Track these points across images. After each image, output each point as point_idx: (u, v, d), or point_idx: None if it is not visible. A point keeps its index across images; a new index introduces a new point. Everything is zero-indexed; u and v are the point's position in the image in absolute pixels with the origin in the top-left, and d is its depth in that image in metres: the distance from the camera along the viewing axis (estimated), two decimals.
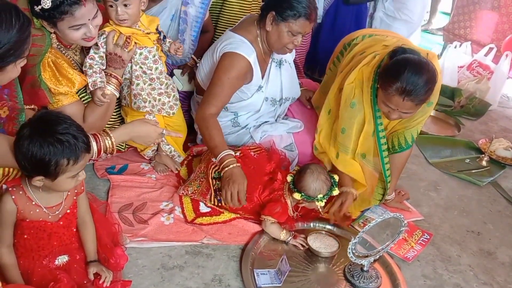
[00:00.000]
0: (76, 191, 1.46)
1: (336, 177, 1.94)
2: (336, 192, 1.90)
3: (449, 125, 3.30)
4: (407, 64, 1.75)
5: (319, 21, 3.24)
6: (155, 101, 2.08)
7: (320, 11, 3.17)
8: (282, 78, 2.30)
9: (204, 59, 2.28)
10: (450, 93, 3.62)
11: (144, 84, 2.02)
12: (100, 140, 1.64)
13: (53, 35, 1.79)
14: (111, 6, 1.83)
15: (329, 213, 2.02)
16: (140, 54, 1.97)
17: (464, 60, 3.99)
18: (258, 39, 2.14)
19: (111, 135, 1.67)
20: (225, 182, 1.91)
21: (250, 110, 2.29)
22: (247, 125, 2.32)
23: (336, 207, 2.00)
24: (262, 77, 2.23)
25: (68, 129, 1.28)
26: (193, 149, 2.38)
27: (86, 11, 1.71)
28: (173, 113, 2.14)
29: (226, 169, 1.93)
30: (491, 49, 3.92)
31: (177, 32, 2.38)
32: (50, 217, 1.40)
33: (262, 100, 2.26)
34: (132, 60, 1.97)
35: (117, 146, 1.74)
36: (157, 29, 2.02)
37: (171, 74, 2.44)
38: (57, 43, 1.83)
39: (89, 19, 1.74)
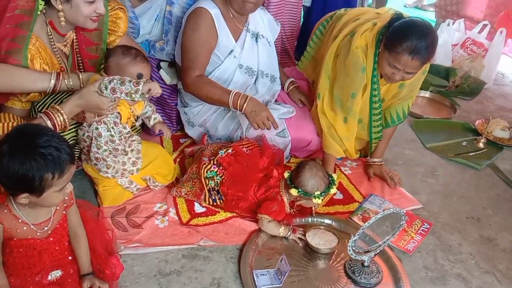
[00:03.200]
0: (65, 204, 1.40)
1: (335, 176, 1.91)
2: (334, 190, 1.86)
3: (445, 106, 3.25)
4: (415, 25, 1.87)
5: (308, 4, 3.16)
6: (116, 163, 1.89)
7: None
8: (259, 52, 2.30)
9: (179, 36, 2.24)
10: (444, 73, 3.56)
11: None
12: (53, 117, 1.58)
13: (62, 20, 1.76)
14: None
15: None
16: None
17: (457, 38, 3.93)
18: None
19: (61, 111, 1.61)
20: (251, 116, 2.04)
21: (224, 80, 2.25)
22: None
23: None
24: (236, 41, 2.22)
25: (49, 141, 1.21)
26: (185, 151, 2.32)
27: None
28: (138, 169, 1.94)
29: (244, 105, 2.02)
30: (485, 26, 3.85)
31: (161, 32, 2.33)
32: (38, 234, 1.34)
33: (236, 67, 2.24)
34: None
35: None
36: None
37: (158, 67, 2.38)
38: (50, 34, 1.78)
39: None
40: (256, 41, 2.30)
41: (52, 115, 1.60)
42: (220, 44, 2.17)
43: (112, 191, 1.93)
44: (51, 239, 1.37)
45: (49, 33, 1.81)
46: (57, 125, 1.60)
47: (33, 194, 1.23)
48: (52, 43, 1.84)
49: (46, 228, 1.35)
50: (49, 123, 1.57)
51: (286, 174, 1.89)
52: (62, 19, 1.77)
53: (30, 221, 1.32)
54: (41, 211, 1.34)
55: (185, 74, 2.10)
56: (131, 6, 2.27)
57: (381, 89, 2.13)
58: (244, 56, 2.25)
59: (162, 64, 2.39)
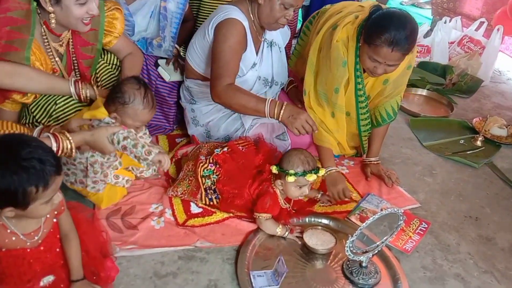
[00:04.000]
0: (56, 212, 1.36)
1: (318, 163, 1.90)
2: (312, 177, 1.79)
3: (442, 104, 3.24)
4: (392, 16, 1.85)
5: (307, 3, 3.14)
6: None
7: None
8: (273, 60, 2.28)
9: (197, 40, 2.20)
10: (441, 70, 3.55)
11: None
12: (60, 142, 1.54)
13: (52, 21, 1.74)
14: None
15: (332, 196, 2.06)
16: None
17: (454, 36, 3.92)
18: (250, 11, 2.10)
19: (71, 139, 1.56)
20: (290, 122, 1.98)
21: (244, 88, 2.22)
22: None
23: (335, 190, 2.05)
24: (256, 54, 2.19)
25: (32, 153, 1.15)
26: (177, 153, 2.28)
27: None
28: (120, 162, 1.90)
29: (281, 113, 1.97)
30: (482, 23, 3.84)
31: (157, 29, 2.31)
32: (28, 244, 1.30)
33: (256, 79, 2.22)
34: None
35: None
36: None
37: (156, 65, 2.36)
38: (45, 33, 1.76)
39: None
40: (271, 49, 2.27)
41: (60, 139, 1.53)
42: (245, 56, 2.14)
43: (104, 192, 1.90)
44: (42, 248, 1.33)
45: (43, 33, 1.79)
46: (61, 151, 1.54)
47: (18, 208, 1.18)
48: (46, 43, 1.82)
49: (36, 238, 1.31)
50: (54, 145, 1.51)
51: (273, 168, 1.84)
52: (53, 21, 1.74)
53: (19, 231, 1.27)
54: (31, 221, 1.29)
55: (215, 84, 2.03)
56: (125, 3, 2.24)
57: (366, 84, 2.12)
58: (263, 67, 2.23)
59: (160, 61, 2.37)
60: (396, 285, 1.70)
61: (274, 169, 1.82)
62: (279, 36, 2.34)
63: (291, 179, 1.77)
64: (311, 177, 1.78)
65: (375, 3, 2.04)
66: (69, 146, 1.55)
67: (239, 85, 2.13)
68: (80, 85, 1.87)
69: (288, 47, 3.05)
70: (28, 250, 1.30)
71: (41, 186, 1.17)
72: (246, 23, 2.08)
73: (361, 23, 1.97)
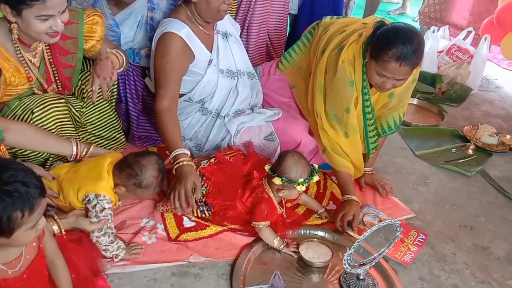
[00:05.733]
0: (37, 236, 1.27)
1: (316, 165, 1.87)
2: (316, 178, 1.80)
3: (432, 113, 3.25)
4: (398, 31, 1.82)
5: (295, 12, 3.13)
6: None
7: (296, 2, 3.06)
8: (232, 50, 2.25)
9: (151, 59, 2.17)
10: (431, 79, 3.57)
11: None
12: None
13: (15, 32, 1.67)
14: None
15: (338, 224, 1.94)
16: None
17: (443, 45, 3.95)
18: (189, 14, 2.08)
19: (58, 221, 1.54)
20: (173, 181, 1.86)
21: (210, 90, 2.20)
22: (217, 110, 2.24)
23: (346, 217, 1.93)
24: (211, 51, 2.16)
25: (15, 176, 1.10)
26: None
27: (58, 2, 1.62)
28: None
29: (176, 166, 1.86)
30: (469, 32, 3.88)
31: (145, 39, 2.28)
32: (10, 273, 1.22)
33: (217, 74, 2.19)
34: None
35: None
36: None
37: (144, 75, 2.33)
38: (15, 41, 1.70)
39: (59, 12, 1.64)
40: (227, 40, 2.25)
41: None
42: (197, 60, 2.12)
43: None
44: (25, 276, 1.25)
45: (14, 41, 1.73)
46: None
47: (3, 236, 1.12)
48: (18, 52, 1.75)
49: (18, 266, 1.23)
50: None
51: (267, 167, 1.84)
52: (15, 31, 1.68)
53: (0, 260, 1.21)
54: (11, 249, 1.22)
55: (156, 101, 2.01)
56: (112, 14, 2.20)
57: (371, 96, 2.09)
58: (222, 59, 2.20)
59: (148, 72, 2.33)
60: None
61: (278, 181, 1.77)
62: (231, 27, 2.33)
63: (301, 188, 1.77)
64: (302, 187, 1.78)
65: (377, 18, 2.03)
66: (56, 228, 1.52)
67: (204, 86, 2.15)
68: (79, 146, 1.79)
69: (277, 55, 3.05)
70: (10, 280, 1.22)
71: (27, 210, 1.11)
72: (185, 31, 2.04)
73: (366, 40, 1.95)
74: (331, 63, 2.04)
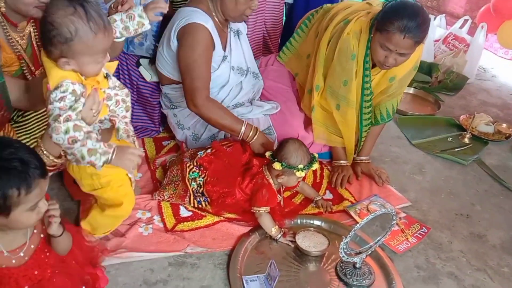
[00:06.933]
0: (44, 227, 1.26)
1: (316, 155, 1.90)
2: (316, 166, 1.86)
3: (429, 102, 3.25)
4: (406, 5, 1.89)
5: (290, 1, 3.11)
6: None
7: None
8: (243, 48, 2.27)
9: (164, 48, 2.14)
10: (427, 68, 3.56)
11: None
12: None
13: (2, 5, 1.63)
14: None
15: (335, 184, 2.19)
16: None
17: (439, 34, 3.93)
18: (212, 8, 2.06)
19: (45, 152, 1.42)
20: (257, 149, 2.03)
21: (220, 83, 2.20)
22: (222, 102, 2.23)
23: (340, 177, 2.20)
24: (224, 48, 2.17)
25: (15, 153, 1.08)
26: (156, 162, 2.19)
27: None
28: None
29: (255, 138, 2.03)
30: (466, 21, 3.86)
31: None
32: (14, 261, 1.21)
33: (229, 70, 2.20)
34: None
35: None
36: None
37: (138, 64, 2.30)
38: (2, 20, 1.67)
39: None
40: (239, 37, 2.26)
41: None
42: (214, 54, 2.11)
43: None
44: (29, 264, 1.24)
45: (1, 20, 1.69)
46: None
47: (0, 215, 1.11)
48: (6, 31, 1.71)
49: (22, 254, 1.22)
50: None
51: (268, 153, 1.88)
52: (2, 4, 1.64)
53: (4, 247, 1.20)
54: (16, 236, 1.21)
55: (193, 95, 1.98)
56: (104, 3, 2.18)
57: (372, 80, 2.11)
58: (234, 57, 2.21)
59: (141, 60, 2.31)
60: (390, 286, 1.69)
61: (278, 166, 1.80)
62: (242, 26, 2.32)
63: (300, 174, 1.81)
64: (301, 173, 1.82)
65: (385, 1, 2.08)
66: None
67: (215, 78, 2.13)
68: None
69: (274, 44, 3.03)
70: (14, 268, 1.21)
71: (23, 188, 1.09)
72: (209, 24, 2.02)
73: (374, 16, 2.00)
74: (335, 35, 2.08)
